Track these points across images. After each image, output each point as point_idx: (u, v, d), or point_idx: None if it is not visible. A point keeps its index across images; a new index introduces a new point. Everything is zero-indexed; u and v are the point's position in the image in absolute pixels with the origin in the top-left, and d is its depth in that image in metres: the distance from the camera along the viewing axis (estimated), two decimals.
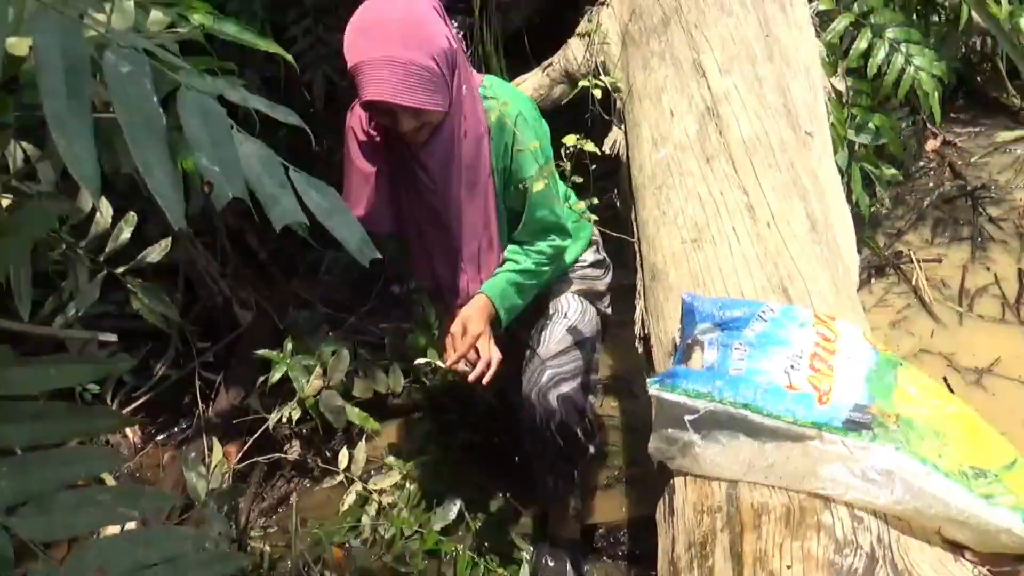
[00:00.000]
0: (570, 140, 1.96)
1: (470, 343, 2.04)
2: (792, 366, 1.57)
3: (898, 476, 1.42)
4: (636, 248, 2.14)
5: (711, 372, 1.65)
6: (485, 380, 2.05)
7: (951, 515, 1.40)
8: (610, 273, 2.34)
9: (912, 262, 3.37)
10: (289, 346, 2.85)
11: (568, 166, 1.98)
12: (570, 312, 2.22)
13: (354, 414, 2.79)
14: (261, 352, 2.82)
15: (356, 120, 2.00)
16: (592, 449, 2.29)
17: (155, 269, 2.57)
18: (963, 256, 3.39)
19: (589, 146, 1.94)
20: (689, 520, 1.54)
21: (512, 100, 2.00)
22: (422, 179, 2.00)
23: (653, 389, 1.65)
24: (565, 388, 2.14)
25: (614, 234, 2.16)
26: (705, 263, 1.85)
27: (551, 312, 2.23)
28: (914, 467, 1.42)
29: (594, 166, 2.00)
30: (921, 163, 3.94)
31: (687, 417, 1.59)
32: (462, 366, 2.06)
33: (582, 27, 2.84)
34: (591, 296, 2.27)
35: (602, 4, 2.82)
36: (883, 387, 1.56)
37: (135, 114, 0.73)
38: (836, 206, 2.12)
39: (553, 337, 2.18)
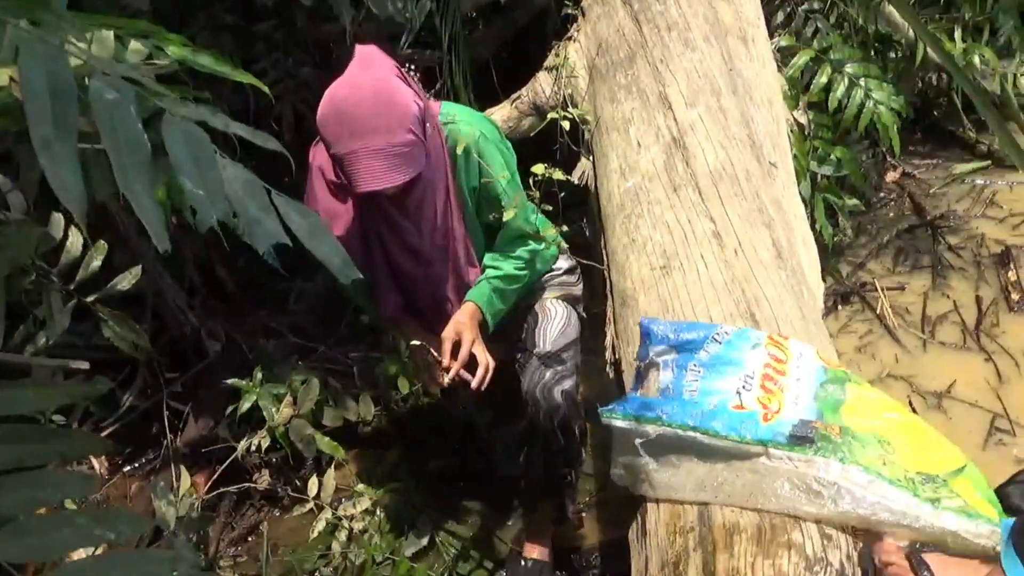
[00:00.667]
0: (539, 169, 2.00)
1: (468, 349, 2.07)
2: (744, 386, 1.62)
3: (843, 486, 1.46)
4: (606, 275, 2.17)
5: (665, 395, 1.70)
6: (484, 385, 2.09)
7: (896, 520, 1.44)
8: (582, 280, 2.38)
9: (876, 290, 3.44)
10: (259, 375, 2.84)
11: (537, 195, 2.02)
12: (558, 315, 2.26)
13: (324, 443, 2.77)
14: (231, 381, 2.81)
15: (323, 159, 2.02)
16: (584, 451, 2.34)
17: (122, 300, 2.56)
18: (924, 284, 3.46)
19: (558, 174, 1.98)
20: (662, 540, 1.56)
21: (473, 122, 2.06)
22: (402, 224, 2.05)
23: (605, 417, 1.71)
24: (567, 384, 2.18)
25: (584, 261, 2.20)
26: (674, 289, 1.89)
27: (539, 316, 2.26)
28: (858, 476, 1.46)
29: (563, 193, 2.04)
30: (882, 194, 4.03)
31: (637, 441, 1.65)
32: (463, 374, 2.09)
33: (550, 61, 2.89)
34: (571, 300, 2.32)
35: (569, 39, 2.87)
36: (831, 402, 1.61)
37: (120, 140, 0.75)
38: (800, 234, 2.17)
39: (548, 337, 2.21)
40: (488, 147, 2.03)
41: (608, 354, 2.09)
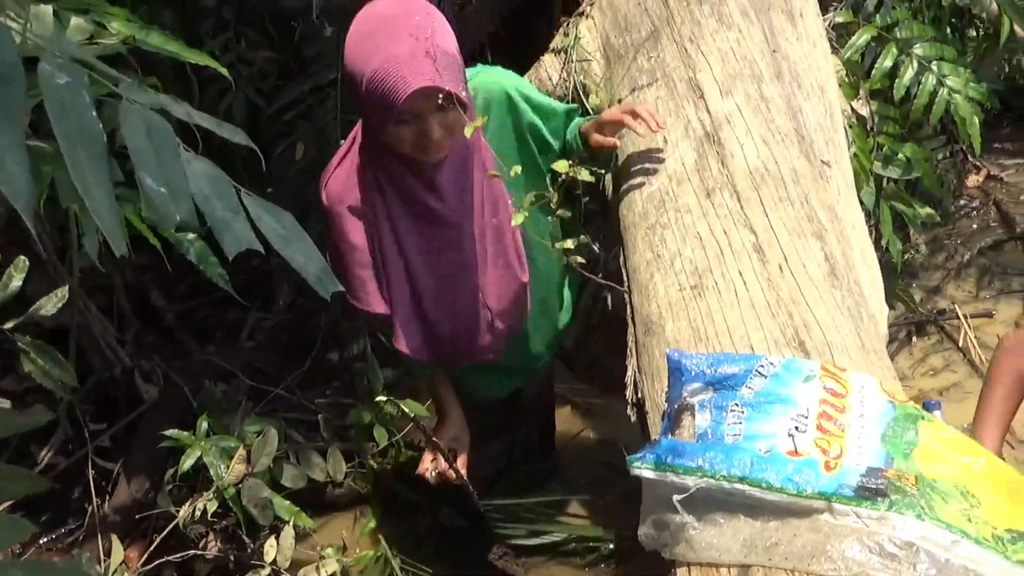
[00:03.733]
0: (562, 167, 2.07)
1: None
2: (797, 428, 1.66)
3: (922, 548, 1.50)
4: (626, 298, 2.24)
5: (703, 441, 1.74)
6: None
7: None
8: None
9: (958, 318, 3.51)
10: (204, 425, 2.90)
11: (555, 197, 2.09)
12: None
13: (284, 507, 2.83)
14: (170, 433, 2.87)
15: (337, 191, 2.18)
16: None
17: (37, 334, 2.63)
18: (1014, 312, 3.54)
19: (584, 175, 2.05)
20: None
21: (501, 77, 2.28)
22: (438, 210, 2.18)
23: (635, 467, 1.74)
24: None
25: (601, 281, 2.27)
26: (707, 313, 1.96)
27: None
28: (939, 536, 1.50)
29: (586, 199, 2.11)
30: (962, 202, 4.13)
31: (676, 497, 1.67)
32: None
33: (557, 41, 2.97)
34: None
35: (581, 15, 2.96)
36: (902, 445, 1.65)
37: (74, 130, 0.82)
38: (859, 247, 2.25)
39: None
40: (528, 89, 2.29)
41: (629, 392, 2.14)
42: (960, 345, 3.40)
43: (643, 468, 1.74)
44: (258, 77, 3.54)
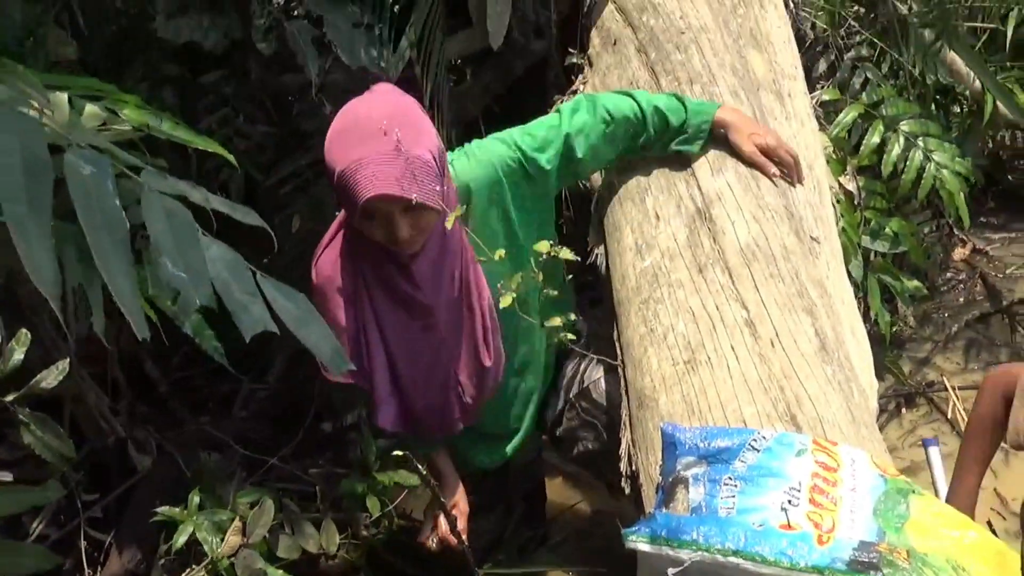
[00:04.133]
0: (543, 247, 2.11)
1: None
2: (790, 501, 1.69)
3: None
4: (620, 372, 2.28)
5: (697, 514, 1.77)
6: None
7: None
8: None
9: (946, 390, 3.55)
10: (196, 500, 2.91)
11: (540, 276, 2.13)
12: None
13: None
14: (162, 510, 2.87)
15: (327, 272, 2.25)
16: None
17: (30, 404, 2.64)
18: None
19: (566, 254, 2.10)
20: None
21: (492, 157, 2.31)
22: (414, 296, 2.23)
23: (631, 540, 1.77)
24: None
25: (595, 356, 2.30)
26: (700, 387, 1.99)
27: None
28: None
29: (570, 276, 2.15)
30: (949, 275, 4.19)
31: (671, 571, 1.70)
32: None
33: None
34: None
35: (574, 92, 3.04)
36: (894, 519, 1.68)
37: (98, 217, 0.86)
38: (849, 322, 2.29)
39: None
40: (518, 152, 2.31)
41: (623, 465, 2.17)
42: (949, 417, 3.44)
43: (638, 541, 1.77)
44: (256, 151, 3.59)
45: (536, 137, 2.32)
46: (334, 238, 2.27)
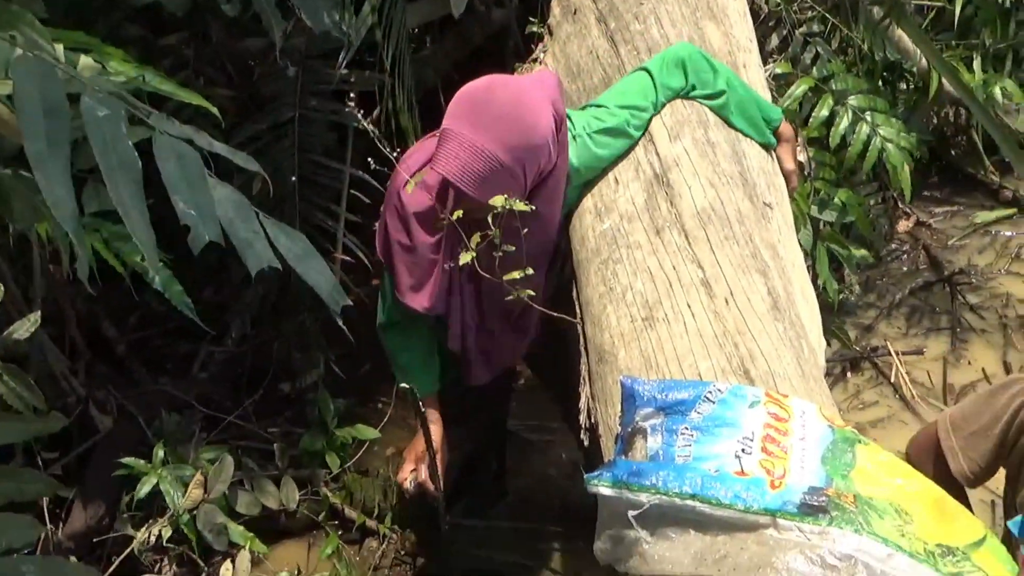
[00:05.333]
0: (498, 201, 2.17)
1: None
2: (743, 450, 1.78)
3: (860, 560, 1.62)
4: (580, 329, 2.36)
5: (655, 461, 1.86)
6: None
7: None
8: None
9: (890, 355, 3.68)
10: (160, 454, 2.96)
11: (498, 233, 2.20)
12: None
13: (238, 533, 2.90)
14: (126, 461, 2.92)
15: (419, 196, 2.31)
16: None
17: None
18: (942, 349, 3.72)
19: (520, 206, 2.16)
20: None
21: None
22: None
23: (592, 484, 1.85)
24: None
25: (554, 314, 2.38)
26: (658, 343, 2.08)
27: None
28: (876, 549, 1.63)
29: (525, 230, 2.22)
30: (893, 246, 4.32)
31: (631, 513, 1.78)
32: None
33: None
34: None
35: (534, 60, 3.10)
36: (841, 466, 1.78)
37: (112, 156, 0.92)
38: (799, 284, 2.39)
39: None
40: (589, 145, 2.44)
41: (583, 418, 2.25)
42: (892, 380, 3.57)
43: (600, 485, 1.85)
44: (222, 111, 3.60)
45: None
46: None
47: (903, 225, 4.42)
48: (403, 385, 2.50)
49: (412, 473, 2.53)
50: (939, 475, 2.11)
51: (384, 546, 3.04)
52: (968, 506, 2.15)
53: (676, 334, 2.07)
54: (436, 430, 2.58)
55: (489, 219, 2.19)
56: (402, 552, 3.07)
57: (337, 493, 3.18)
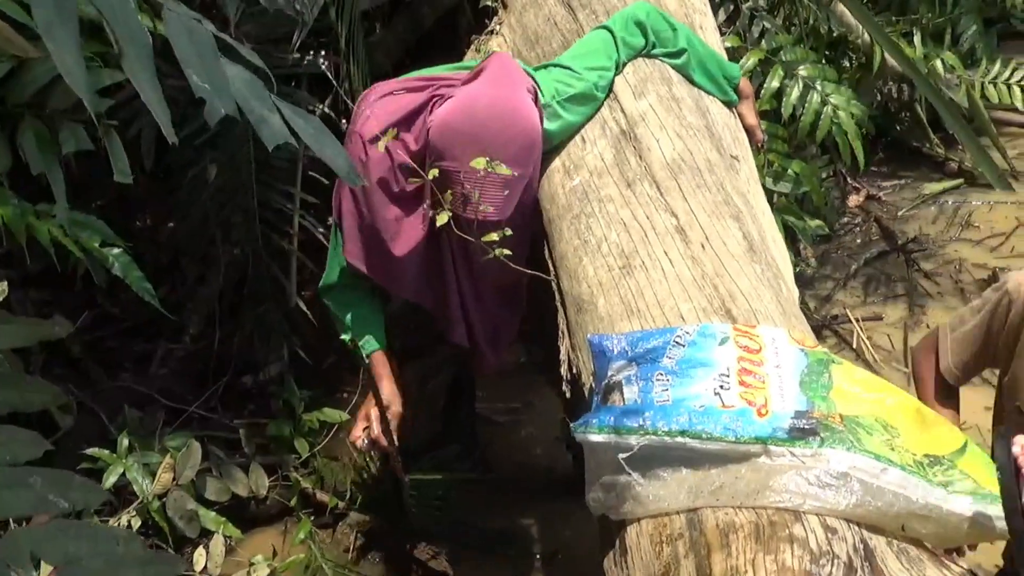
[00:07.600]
0: (479, 163, 2.18)
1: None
2: (721, 387, 1.79)
3: (855, 477, 1.65)
4: (554, 285, 2.36)
5: (636, 407, 1.86)
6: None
7: (913, 510, 1.64)
8: None
9: (850, 321, 3.73)
10: (125, 443, 2.91)
11: (476, 195, 2.21)
12: None
13: (210, 518, 2.86)
14: (90, 452, 2.87)
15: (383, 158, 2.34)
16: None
17: None
18: (901, 313, 3.79)
19: (503, 169, 2.18)
20: (647, 554, 1.71)
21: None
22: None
23: (579, 432, 1.84)
24: None
25: (528, 271, 2.38)
26: (637, 289, 2.08)
27: None
28: (869, 465, 1.66)
29: (506, 191, 2.23)
30: (845, 219, 4.40)
31: (621, 456, 1.77)
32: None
33: (469, 58, 3.11)
34: None
35: (491, 33, 3.11)
36: (820, 388, 1.80)
37: (124, 30, 0.90)
38: (771, 231, 2.41)
39: None
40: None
41: (563, 370, 2.25)
42: (854, 347, 3.62)
43: (588, 433, 1.84)
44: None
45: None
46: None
47: (854, 200, 4.50)
48: (343, 337, 2.50)
49: (364, 431, 2.50)
50: (936, 374, 2.25)
51: (357, 529, 3.01)
52: (958, 405, 2.28)
53: (655, 280, 2.08)
54: (387, 385, 2.56)
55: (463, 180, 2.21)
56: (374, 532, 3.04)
57: (307, 478, 3.15)
